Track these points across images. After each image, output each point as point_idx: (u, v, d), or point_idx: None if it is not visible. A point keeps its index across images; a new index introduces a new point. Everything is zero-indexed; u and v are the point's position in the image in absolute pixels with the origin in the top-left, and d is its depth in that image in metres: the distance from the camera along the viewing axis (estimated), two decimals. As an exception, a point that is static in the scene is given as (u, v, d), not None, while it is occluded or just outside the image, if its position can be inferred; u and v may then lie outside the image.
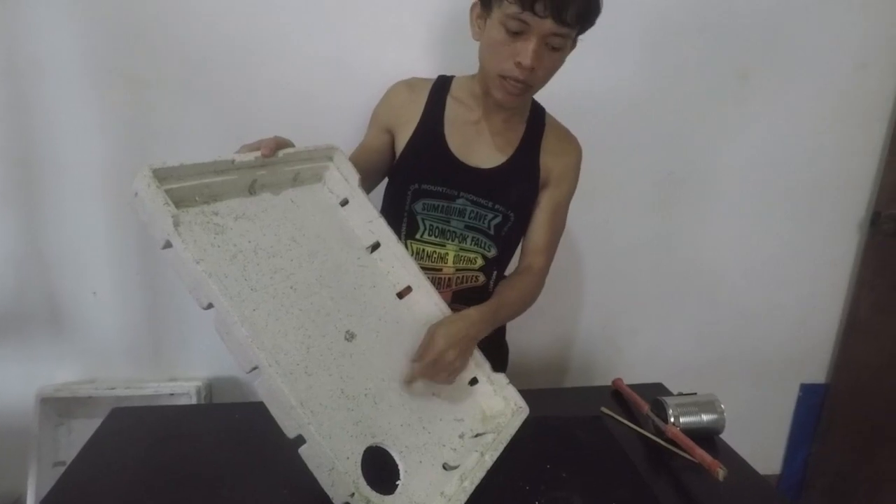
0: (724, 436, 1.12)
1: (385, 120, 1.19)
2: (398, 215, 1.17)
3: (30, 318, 1.68)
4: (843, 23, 1.71)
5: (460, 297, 1.21)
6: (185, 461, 0.99)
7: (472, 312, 1.01)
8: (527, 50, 0.96)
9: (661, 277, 1.91)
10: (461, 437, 0.92)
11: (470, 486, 0.83)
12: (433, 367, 0.92)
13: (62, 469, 0.98)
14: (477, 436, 0.94)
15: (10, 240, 1.61)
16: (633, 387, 1.29)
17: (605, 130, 1.71)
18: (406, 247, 1.15)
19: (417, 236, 1.17)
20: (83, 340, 1.73)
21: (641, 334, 1.96)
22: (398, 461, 0.82)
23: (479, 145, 1.14)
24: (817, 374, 2.11)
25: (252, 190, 0.87)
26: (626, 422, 1.03)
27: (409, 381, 0.92)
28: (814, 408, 2.12)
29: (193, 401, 1.71)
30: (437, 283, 1.19)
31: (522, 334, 1.61)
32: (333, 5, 1.51)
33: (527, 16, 0.93)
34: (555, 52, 0.99)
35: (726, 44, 1.68)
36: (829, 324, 2.05)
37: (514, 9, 0.93)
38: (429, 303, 1.03)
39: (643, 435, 1.09)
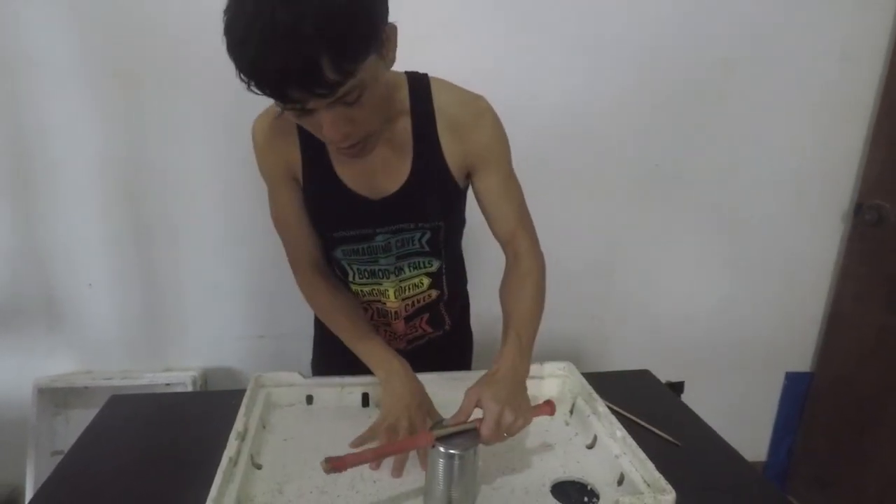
0: (710, 423, 1.15)
1: (281, 172, 1.00)
2: (327, 261, 1.10)
3: (27, 311, 1.71)
4: (827, 14, 1.73)
5: (413, 316, 1.15)
6: (182, 446, 1.01)
7: (503, 364, 0.89)
8: (326, 126, 0.77)
9: (646, 267, 1.94)
10: None
11: None
12: (497, 434, 0.82)
13: (60, 458, 1.00)
14: None
15: (7, 233, 1.63)
16: (620, 374, 1.32)
17: (589, 125, 1.73)
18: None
19: (350, 279, 1.09)
20: (79, 332, 1.75)
21: (628, 323, 2.00)
22: None
23: (374, 172, 0.96)
24: (802, 362, 2.15)
25: None
26: (609, 405, 1.05)
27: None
28: (799, 396, 2.16)
29: (189, 390, 1.73)
30: (385, 314, 1.13)
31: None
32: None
33: (291, 105, 0.74)
34: (354, 103, 0.76)
35: (710, 35, 1.70)
36: (814, 313, 2.09)
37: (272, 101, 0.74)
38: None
39: (628, 419, 1.12)
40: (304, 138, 0.95)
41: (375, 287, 1.09)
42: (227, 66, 1.63)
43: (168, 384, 1.75)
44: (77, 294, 1.71)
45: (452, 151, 0.97)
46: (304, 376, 1.08)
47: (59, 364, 1.76)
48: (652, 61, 1.71)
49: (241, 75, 0.71)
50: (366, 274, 1.07)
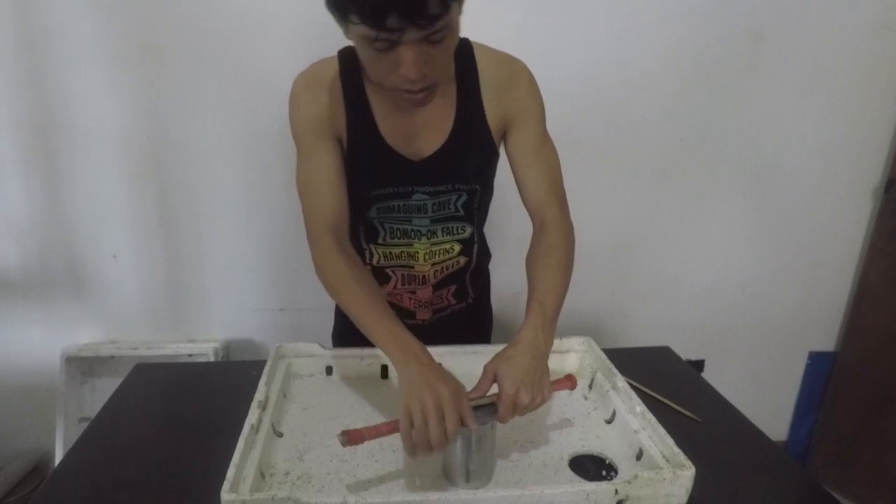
0: (732, 402, 1.14)
1: (324, 128, 0.98)
2: (353, 222, 1.06)
3: (54, 282, 1.74)
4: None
5: (440, 284, 1.15)
6: (205, 414, 1.03)
7: (523, 336, 0.86)
8: (407, 62, 0.79)
9: (668, 243, 1.92)
10: None
11: None
12: (514, 414, 0.82)
13: (87, 424, 1.03)
14: None
15: (34, 206, 1.66)
16: (640, 350, 1.31)
17: (613, 97, 1.70)
18: (370, 251, 1.10)
19: (379, 241, 1.08)
20: (105, 302, 1.78)
21: (649, 300, 1.98)
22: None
23: (416, 130, 0.98)
24: (826, 341, 2.12)
25: None
26: (629, 380, 1.04)
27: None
28: (822, 375, 2.14)
29: (211, 361, 1.76)
30: (412, 280, 1.12)
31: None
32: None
33: (385, 34, 0.75)
34: (438, 42, 0.79)
35: (740, 5, 1.65)
36: (840, 291, 2.05)
37: (366, 30, 0.75)
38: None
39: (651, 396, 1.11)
40: (349, 95, 0.97)
41: (405, 249, 1.08)
42: (251, 41, 1.62)
43: (191, 355, 1.79)
44: (102, 265, 1.74)
45: (492, 111, 0.99)
46: (324, 347, 1.09)
47: (85, 334, 1.80)
48: (680, 33, 1.67)
49: (338, 3, 0.74)
50: (398, 233, 1.07)
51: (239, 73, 1.58)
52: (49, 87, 1.56)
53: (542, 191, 1.02)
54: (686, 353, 1.31)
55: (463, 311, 1.22)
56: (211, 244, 1.76)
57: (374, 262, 1.11)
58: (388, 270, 1.12)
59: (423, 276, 1.12)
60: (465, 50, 0.98)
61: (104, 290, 1.77)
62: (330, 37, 1.52)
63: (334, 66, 0.98)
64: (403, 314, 1.16)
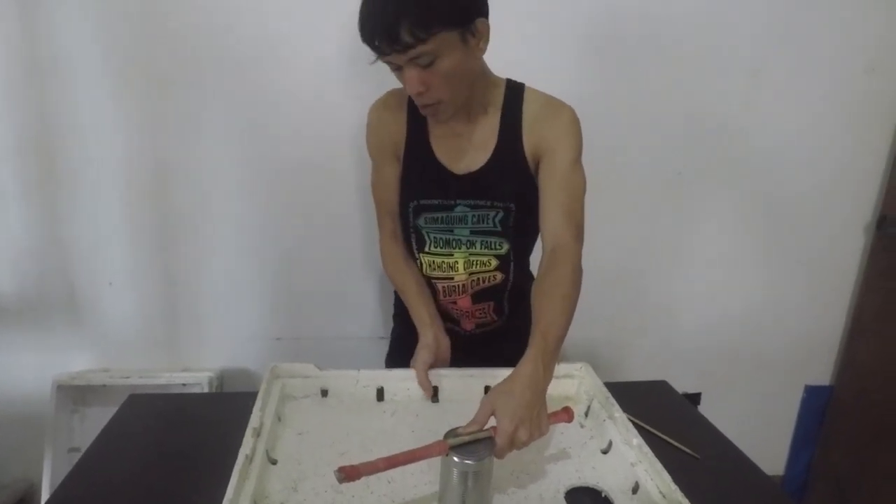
0: (728, 435, 1.13)
1: (386, 147, 1.17)
2: (406, 231, 1.20)
3: (48, 308, 1.73)
4: (853, 24, 1.71)
5: (480, 297, 1.23)
6: (199, 447, 1.01)
7: (523, 368, 0.87)
8: (403, 79, 0.97)
9: (666, 276, 1.92)
10: None
11: None
12: (510, 449, 0.83)
13: (76, 455, 1.02)
14: None
15: (31, 231, 1.66)
16: (637, 384, 1.30)
17: (613, 128, 1.72)
18: (420, 261, 1.21)
19: (427, 249, 1.19)
20: (99, 330, 1.77)
21: (647, 332, 1.98)
22: None
23: (464, 149, 1.12)
24: (822, 375, 2.11)
25: None
26: (627, 416, 1.04)
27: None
28: (818, 409, 2.13)
29: (206, 391, 1.74)
30: (453, 291, 1.21)
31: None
32: (344, 8, 1.53)
33: (382, 57, 0.93)
34: (429, 67, 0.93)
35: (737, 42, 1.69)
36: (835, 325, 2.05)
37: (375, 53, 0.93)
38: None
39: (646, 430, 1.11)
40: (411, 117, 1.13)
41: (446, 259, 1.18)
42: (248, 69, 1.64)
43: (185, 384, 1.76)
44: (98, 292, 1.74)
45: (528, 140, 1.09)
46: (320, 368, 1.09)
47: (78, 361, 1.78)
48: (678, 67, 1.70)
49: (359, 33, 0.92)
50: (441, 242, 1.17)
51: (237, 102, 1.60)
52: (51, 113, 1.57)
53: (559, 215, 1.06)
54: (683, 385, 1.31)
55: (503, 329, 1.29)
56: (207, 272, 1.76)
57: (423, 271, 1.22)
58: (433, 281, 1.21)
59: (462, 286, 1.20)
60: (517, 90, 1.12)
61: (99, 317, 1.76)
62: (333, 68, 1.57)
63: (404, 93, 1.08)
64: (450, 321, 1.27)
